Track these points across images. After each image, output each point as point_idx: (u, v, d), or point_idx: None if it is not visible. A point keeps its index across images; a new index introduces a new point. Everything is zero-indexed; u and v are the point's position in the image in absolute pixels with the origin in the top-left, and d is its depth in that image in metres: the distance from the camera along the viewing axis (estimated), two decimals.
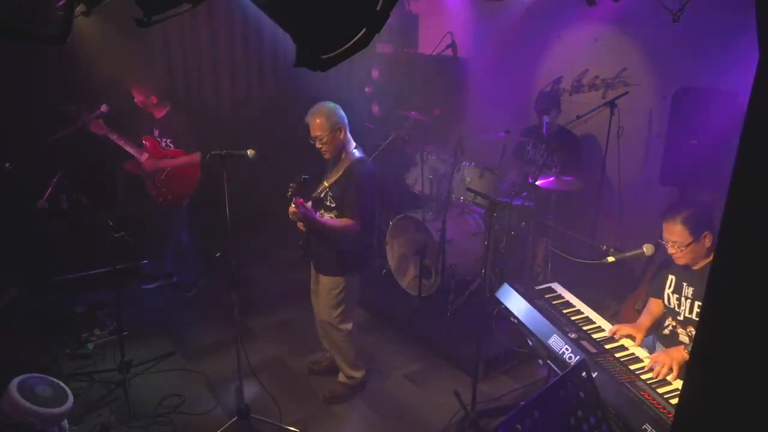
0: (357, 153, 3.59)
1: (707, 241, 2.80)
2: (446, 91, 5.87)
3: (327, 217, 3.58)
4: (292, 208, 3.39)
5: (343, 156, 3.56)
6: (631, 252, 3.07)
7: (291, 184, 3.30)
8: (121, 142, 4.60)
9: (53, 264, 4.89)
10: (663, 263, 3.18)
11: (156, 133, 4.71)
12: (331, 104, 3.53)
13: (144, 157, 4.66)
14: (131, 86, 4.57)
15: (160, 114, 4.69)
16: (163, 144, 4.71)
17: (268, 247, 5.87)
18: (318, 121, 3.45)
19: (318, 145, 3.52)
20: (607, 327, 3.11)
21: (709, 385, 1.06)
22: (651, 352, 3.02)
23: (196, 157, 4.68)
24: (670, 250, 2.88)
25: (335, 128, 3.47)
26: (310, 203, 3.66)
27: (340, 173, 3.54)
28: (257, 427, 3.57)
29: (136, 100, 4.60)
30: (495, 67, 5.68)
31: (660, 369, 2.69)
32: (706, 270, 2.85)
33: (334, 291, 3.68)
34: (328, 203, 3.59)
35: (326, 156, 3.58)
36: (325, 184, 3.61)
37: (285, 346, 4.47)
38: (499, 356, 4.13)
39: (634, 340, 2.98)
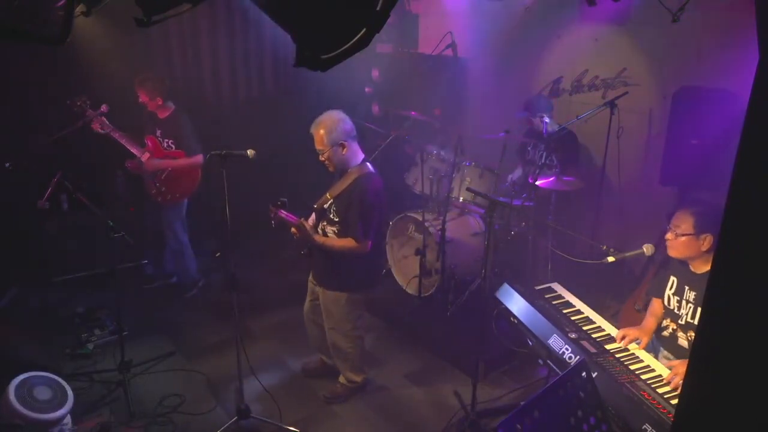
0: (365, 167, 3.45)
1: (705, 243, 2.80)
2: (446, 91, 5.86)
3: (329, 231, 3.50)
4: (294, 229, 3.37)
5: (349, 169, 3.45)
6: (631, 252, 3.08)
7: (271, 207, 3.29)
8: (123, 141, 4.61)
9: (53, 264, 4.89)
10: (664, 263, 3.18)
11: (158, 133, 4.71)
12: (336, 116, 3.39)
13: (145, 156, 4.66)
14: (136, 87, 4.58)
15: (163, 114, 4.69)
16: (165, 144, 4.71)
17: (268, 248, 5.87)
18: (321, 132, 3.34)
19: (321, 158, 3.44)
20: (608, 327, 3.12)
21: (709, 386, 1.06)
22: (655, 355, 3.02)
23: (198, 159, 4.68)
24: (667, 235, 2.91)
25: (336, 143, 3.36)
26: (312, 217, 3.62)
27: (345, 187, 3.41)
28: (257, 427, 3.57)
29: (140, 100, 4.61)
30: (495, 67, 5.68)
31: (680, 381, 2.67)
32: (705, 273, 2.86)
33: (339, 302, 3.61)
34: (331, 216, 3.46)
35: (330, 169, 3.50)
36: (328, 196, 3.49)
37: (285, 346, 4.47)
38: (499, 356, 4.13)
39: (638, 344, 2.99)
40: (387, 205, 3.57)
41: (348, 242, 3.39)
